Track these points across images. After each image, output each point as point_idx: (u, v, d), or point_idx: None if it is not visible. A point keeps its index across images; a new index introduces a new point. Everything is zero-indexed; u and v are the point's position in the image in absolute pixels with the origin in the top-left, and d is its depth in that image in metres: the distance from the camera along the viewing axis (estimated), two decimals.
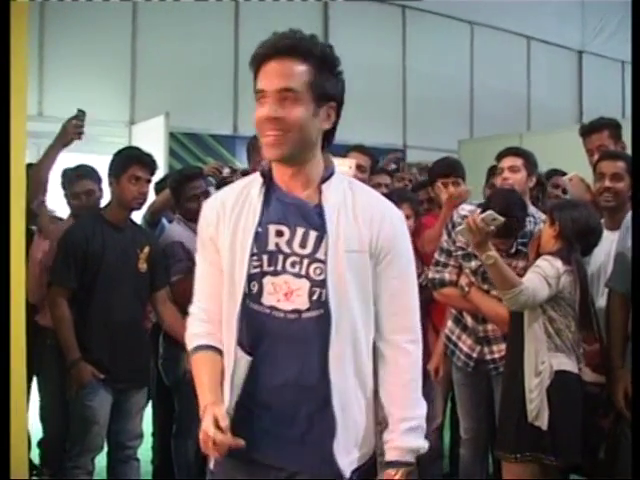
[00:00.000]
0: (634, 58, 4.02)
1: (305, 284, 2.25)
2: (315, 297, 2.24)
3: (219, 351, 2.38)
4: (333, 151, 3.86)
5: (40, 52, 7.95)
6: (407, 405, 2.29)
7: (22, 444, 3.18)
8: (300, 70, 2.19)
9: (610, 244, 4.01)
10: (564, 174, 4.88)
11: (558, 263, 3.76)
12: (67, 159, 4.99)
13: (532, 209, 4.25)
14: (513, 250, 4.08)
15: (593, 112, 11.90)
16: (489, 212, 3.72)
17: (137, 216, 4.73)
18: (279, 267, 2.27)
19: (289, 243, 2.27)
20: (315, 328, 2.23)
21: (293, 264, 2.26)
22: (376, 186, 4.99)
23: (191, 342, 2.49)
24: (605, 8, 12.85)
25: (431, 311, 4.66)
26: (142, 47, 8.85)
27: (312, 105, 2.20)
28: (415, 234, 4.65)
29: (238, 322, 2.29)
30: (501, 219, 3.65)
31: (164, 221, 5.20)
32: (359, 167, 4.52)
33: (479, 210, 4.05)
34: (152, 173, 4.36)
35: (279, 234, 2.28)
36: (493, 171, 4.87)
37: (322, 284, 2.22)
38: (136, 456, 4.48)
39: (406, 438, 2.28)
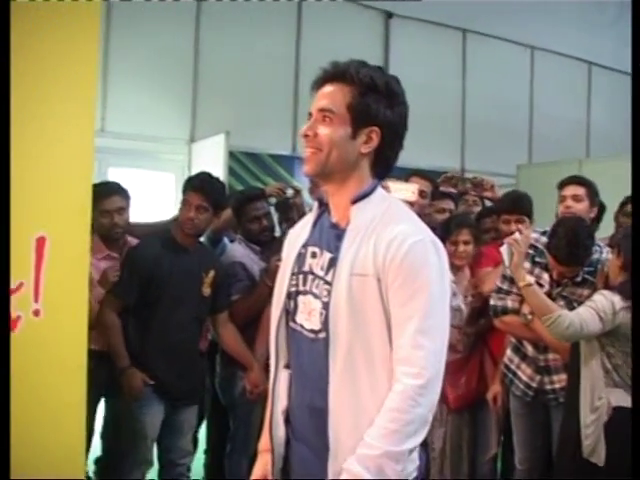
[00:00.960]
0: (634, 59, 3.99)
1: (318, 305, 2.30)
2: (323, 318, 2.27)
3: None
4: (391, 174, 3.86)
5: (105, 68, 8.02)
6: (376, 433, 2.12)
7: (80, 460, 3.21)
8: (342, 93, 2.28)
9: None
10: None
11: (615, 298, 3.70)
12: (127, 174, 5.04)
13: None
14: (579, 279, 4.04)
15: None
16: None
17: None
18: (307, 287, 2.35)
19: (317, 264, 2.33)
20: (325, 350, 2.23)
21: (317, 285, 2.32)
22: (440, 212, 4.97)
23: None
24: None
25: (489, 340, 4.62)
26: (204, 65, 8.90)
27: (350, 127, 2.27)
28: (475, 261, 4.63)
29: (276, 337, 2.41)
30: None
31: (225, 240, 5.21)
32: (420, 192, 4.50)
33: (543, 237, 4.05)
34: (206, 200, 4.29)
35: (313, 255, 2.36)
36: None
37: (328, 306, 2.24)
38: (187, 474, 4.50)
39: (354, 461, 2.11)
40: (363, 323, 2.20)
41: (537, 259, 4.16)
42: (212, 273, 4.37)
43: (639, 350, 3.39)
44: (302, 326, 2.34)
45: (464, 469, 4.59)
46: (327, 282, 2.27)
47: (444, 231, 4.42)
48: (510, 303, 4.18)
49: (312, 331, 2.30)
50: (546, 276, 4.11)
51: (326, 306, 2.24)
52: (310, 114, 2.34)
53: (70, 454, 3.10)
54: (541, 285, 4.02)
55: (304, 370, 2.34)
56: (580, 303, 3.88)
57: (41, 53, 3.02)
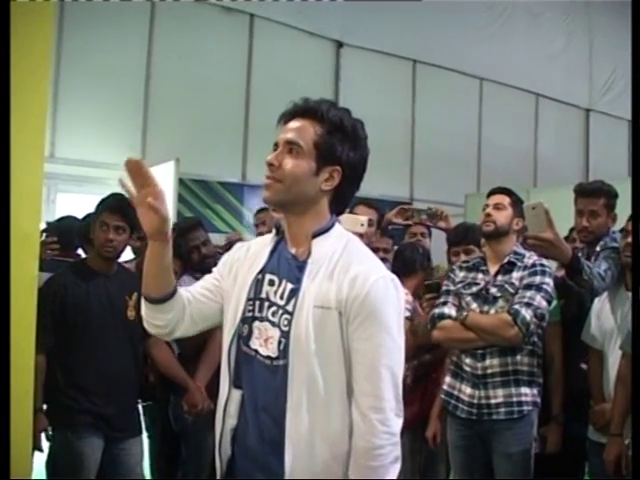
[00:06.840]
0: (634, 66, 4.05)
1: (276, 333, 2.34)
2: (282, 347, 2.31)
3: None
4: None
5: (55, 94, 7.98)
6: (361, 474, 2.21)
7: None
8: (311, 129, 2.34)
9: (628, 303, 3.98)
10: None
11: None
12: (78, 201, 5.00)
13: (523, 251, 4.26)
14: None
15: (599, 170, 12.04)
16: None
17: None
18: (264, 314, 2.39)
19: (275, 293, 2.38)
20: (282, 377, 2.28)
21: (274, 313, 2.37)
22: (375, 251, 4.96)
23: None
24: (613, 67, 13.00)
25: (433, 375, 4.65)
26: (155, 93, 8.91)
27: (314, 163, 2.33)
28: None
29: (228, 359, 2.44)
30: None
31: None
32: (368, 221, 4.53)
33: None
34: (123, 220, 4.17)
35: (271, 283, 2.41)
36: None
37: (288, 335, 2.29)
38: None
39: None
40: (323, 354, 2.25)
41: (463, 265, 4.35)
42: (135, 296, 4.22)
43: (639, 352, 3.39)
44: (257, 352, 2.38)
45: None
46: (288, 312, 2.32)
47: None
48: (447, 309, 4.18)
49: (268, 358, 2.34)
50: (480, 275, 4.21)
51: (286, 335, 2.29)
52: (276, 144, 2.37)
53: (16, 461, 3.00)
54: (476, 284, 4.14)
55: (258, 394, 2.36)
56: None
57: None
